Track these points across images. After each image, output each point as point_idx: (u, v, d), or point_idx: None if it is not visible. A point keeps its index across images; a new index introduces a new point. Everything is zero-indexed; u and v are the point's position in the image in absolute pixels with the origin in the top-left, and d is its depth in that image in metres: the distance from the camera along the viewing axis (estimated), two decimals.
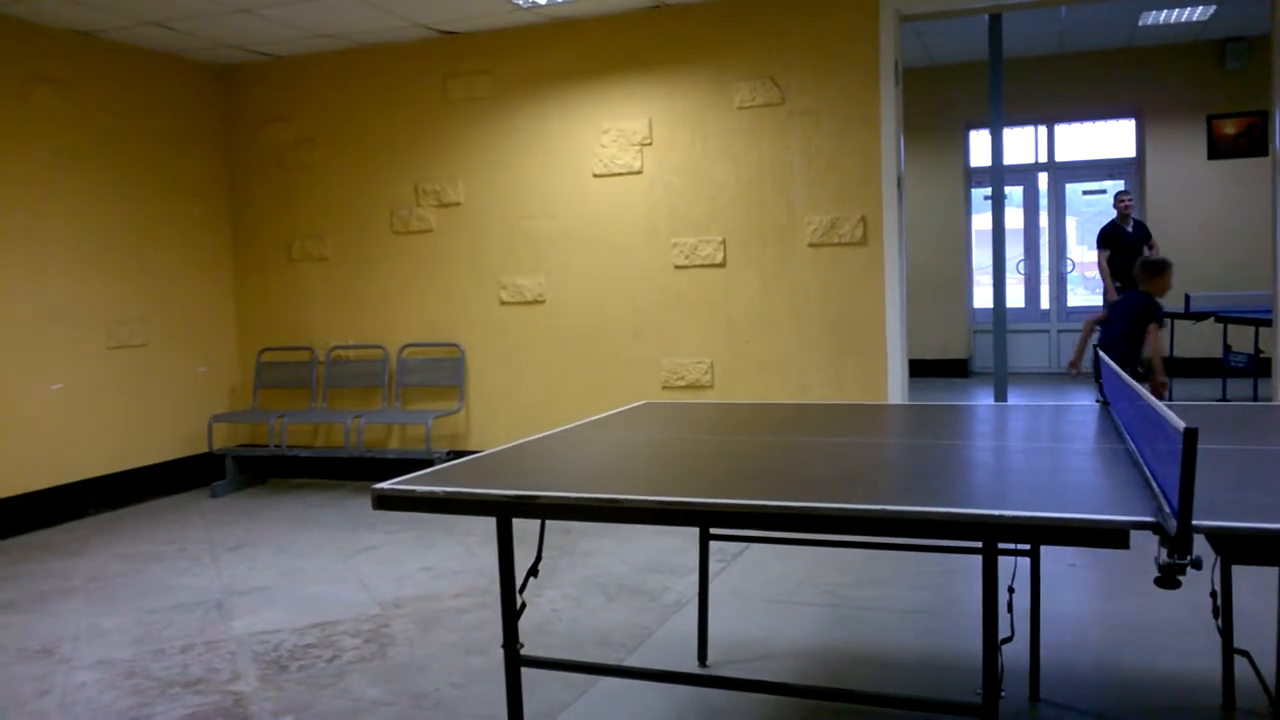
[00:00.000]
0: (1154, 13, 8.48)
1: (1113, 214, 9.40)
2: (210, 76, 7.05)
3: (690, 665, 3.35)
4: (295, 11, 5.86)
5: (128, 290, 6.41)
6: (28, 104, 5.84)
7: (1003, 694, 2.07)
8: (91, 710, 3.20)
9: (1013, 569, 2.66)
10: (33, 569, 4.98)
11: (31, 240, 5.83)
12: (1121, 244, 9.13)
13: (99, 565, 4.99)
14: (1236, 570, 2.80)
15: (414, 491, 2.30)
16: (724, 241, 6.05)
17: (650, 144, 6.17)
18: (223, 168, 7.15)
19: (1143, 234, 9.26)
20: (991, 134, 6.03)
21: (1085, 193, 10.95)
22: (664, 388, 6.20)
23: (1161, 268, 5.35)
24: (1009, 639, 2.32)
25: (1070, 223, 11.04)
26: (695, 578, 4.31)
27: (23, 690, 3.38)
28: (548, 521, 2.52)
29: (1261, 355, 7.26)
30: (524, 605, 2.46)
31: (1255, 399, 7.68)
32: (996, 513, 1.84)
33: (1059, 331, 10.85)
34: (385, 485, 2.34)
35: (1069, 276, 10.93)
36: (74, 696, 3.31)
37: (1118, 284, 9.10)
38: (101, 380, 6.22)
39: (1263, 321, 6.80)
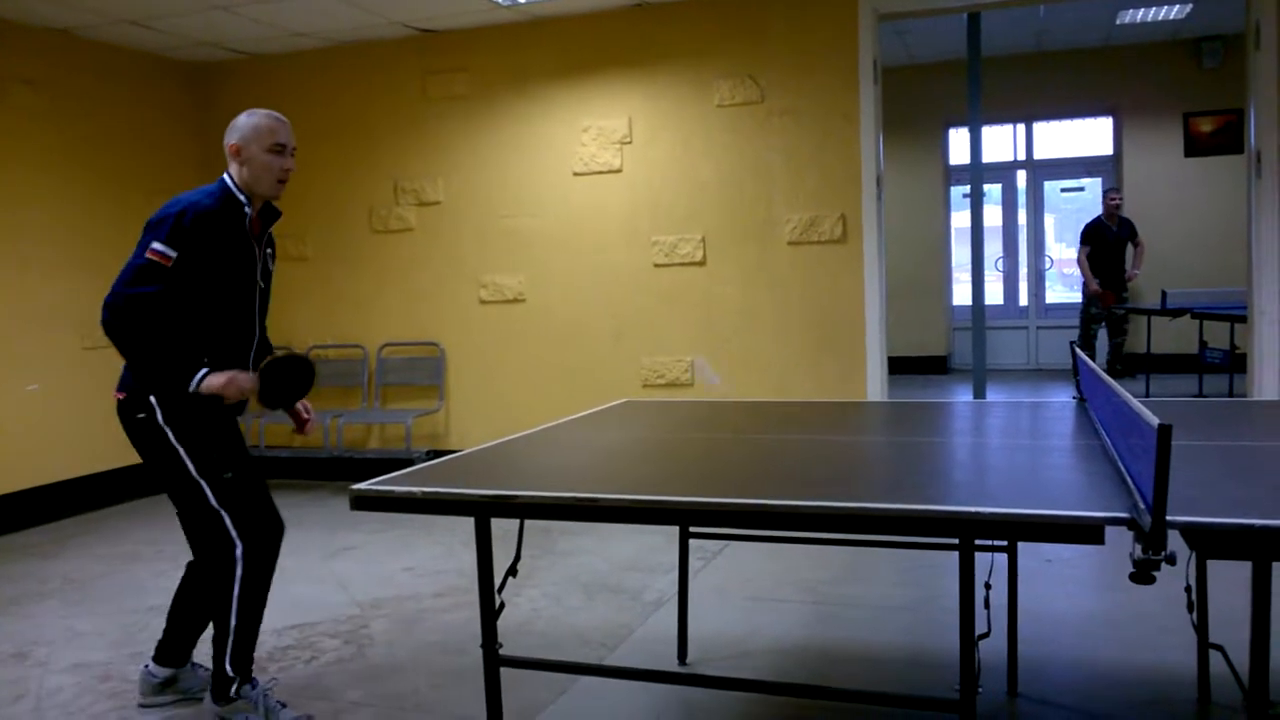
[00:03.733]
0: (1131, 11, 8.54)
1: (1094, 211, 9.46)
2: (188, 75, 7.00)
3: (670, 664, 3.35)
4: (272, 9, 5.82)
5: (103, 290, 6.31)
6: (3, 103, 5.78)
7: (980, 689, 2.08)
8: (68, 715, 3.17)
9: (990, 565, 2.67)
10: (8, 571, 4.93)
11: (7, 240, 5.77)
12: (1104, 241, 9.20)
13: (76, 567, 4.94)
14: (1211, 565, 2.82)
15: (392, 492, 2.29)
16: (704, 240, 6.05)
17: (630, 142, 6.17)
18: (201, 166, 7.08)
19: (1127, 232, 9.32)
20: (970, 132, 6.06)
21: (1063, 190, 11.01)
22: (644, 386, 6.20)
23: None
24: (986, 635, 2.33)
25: (1048, 220, 11.10)
26: (675, 576, 4.31)
27: None
28: (527, 521, 2.51)
29: (1237, 351, 7.31)
30: (503, 605, 2.45)
31: (1231, 394, 7.74)
32: (973, 509, 1.85)
33: (1037, 328, 10.91)
34: (363, 486, 2.33)
35: (1047, 273, 10.98)
36: (49, 701, 3.28)
37: (1098, 279, 9.16)
38: (78, 381, 6.17)
39: (1238, 318, 6.85)
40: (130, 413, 2.97)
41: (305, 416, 3.28)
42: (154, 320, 2.88)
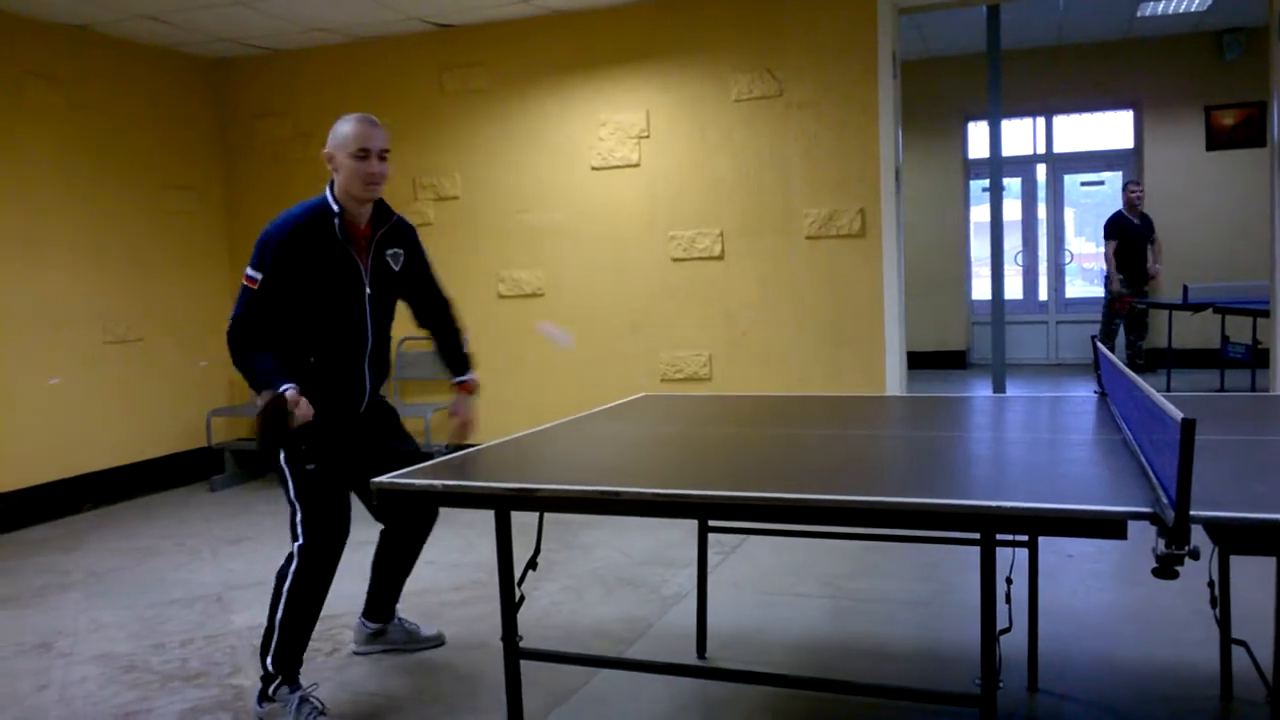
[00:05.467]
0: (1152, 3, 8.47)
1: (1115, 205, 9.39)
2: (205, 71, 7.03)
3: (689, 657, 3.35)
4: (290, 5, 5.84)
5: (124, 285, 6.39)
6: (22, 99, 5.82)
7: (1001, 685, 2.08)
8: (91, 704, 3.20)
9: (1011, 560, 2.66)
10: (31, 564, 4.98)
11: (27, 236, 5.82)
12: (1128, 235, 9.13)
13: (97, 560, 4.99)
14: (1234, 560, 2.80)
15: (413, 485, 2.30)
16: (722, 234, 6.04)
17: (648, 137, 6.16)
18: (219, 162, 7.13)
19: (1148, 227, 9.25)
20: (990, 125, 6.04)
21: (1083, 184, 10.95)
22: (662, 380, 6.20)
23: None
24: (1007, 630, 2.32)
25: (1068, 214, 11.04)
26: (694, 570, 4.31)
27: (21, 685, 3.38)
28: (547, 514, 2.52)
29: (1259, 346, 7.26)
30: (523, 598, 2.46)
31: (1253, 390, 7.68)
32: (994, 504, 1.85)
33: (1057, 323, 10.85)
34: (384, 479, 2.34)
35: (1067, 268, 10.92)
36: (73, 691, 3.32)
37: (1122, 275, 9.10)
38: (99, 375, 6.21)
39: (1260, 312, 6.80)
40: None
41: (459, 415, 3.46)
42: (247, 341, 2.97)
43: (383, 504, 3.10)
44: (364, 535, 5.20)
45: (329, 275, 3.03)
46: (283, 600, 2.96)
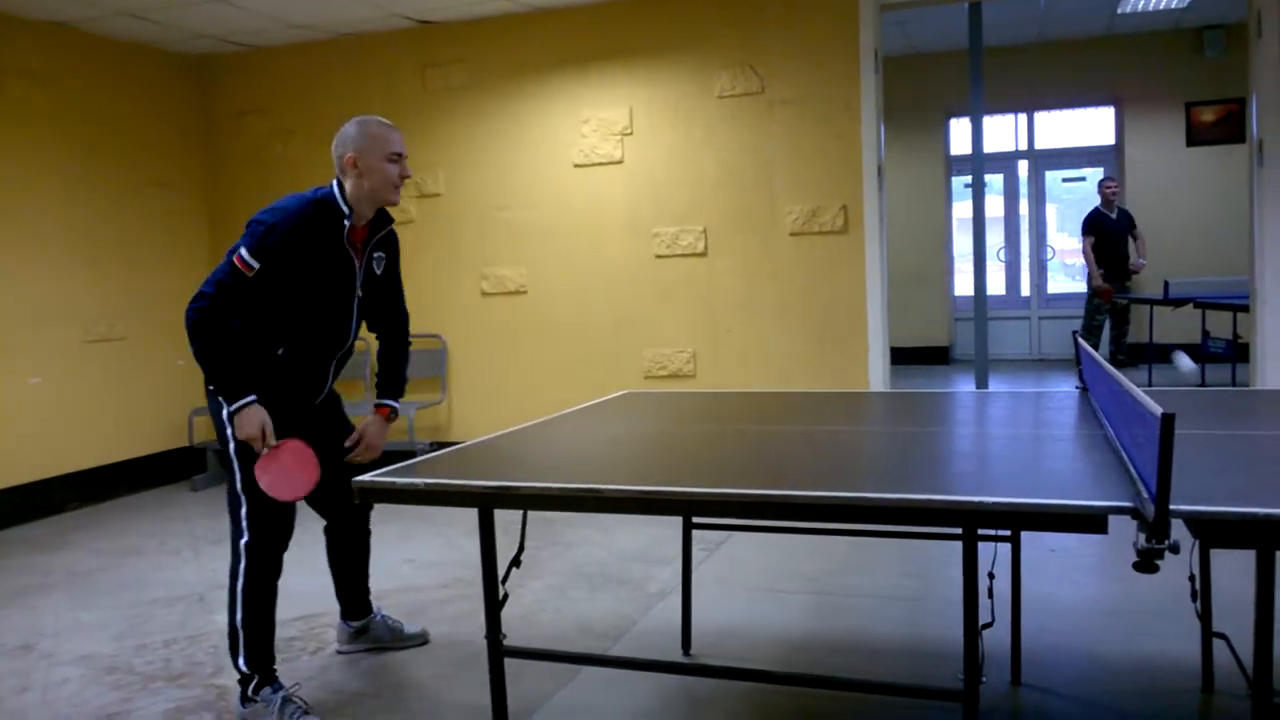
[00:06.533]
0: (1132, 0, 8.51)
1: (1096, 201, 9.44)
2: (186, 68, 6.99)
3: (674, 654, 3.35)
4: (272, 2, 5.81)
5: (105, 284, 6.35)
6: (3, 97, 5.77)
7: (984, 679, 2.09)
8: (73, 706, 3.18)
9: (993, 555, 2.67)
10: (12, 564, 4.94)
11: (6, 234, 5.77)
12: (1104, 230, 9.16)
13: (79, 560, 4.95)
14: (1214, 553, 2.82)
15: (395, 484, 2.29)
16: (705, 231, 6.04)
17: (631, 133, 6.16)
18: (200, 160, 7.08)
19: (1127, 222, 9.29)
20: (971, 122, 6.06)
21: (1065, 180, 10.99)
22: (646, 377, 6.20)
23: None
24: (990, 624, 2.33)
25: (1050, 210, 11.08)
26: (678, 567, 4.31)
27: (2, 686, 3.36)
28: (530, 512, 2.51)
29: (1239, 341, 7.30)
30: (507, 596, 2.46)
31: (1233, 384, 7.73)
32: (976, 499, 1.85)
33: (1040, 318, 10.90)
34: (366, 477, 2.33)
35: (1049, 264, 10.97)
36: (55, 693, 3.29)
37: (1102, 270, 9.14)
38: (80, 374, 6.17)
39: (1240, 307, 6.85)
40: (206, 384, 2.99)
41: (366, 438, 3.30)
42: (217, 328, 2.82)
43: (318, 495, 3.15)
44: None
45: (325, 274, 2.97)
46: (239, 600, 2.94)
